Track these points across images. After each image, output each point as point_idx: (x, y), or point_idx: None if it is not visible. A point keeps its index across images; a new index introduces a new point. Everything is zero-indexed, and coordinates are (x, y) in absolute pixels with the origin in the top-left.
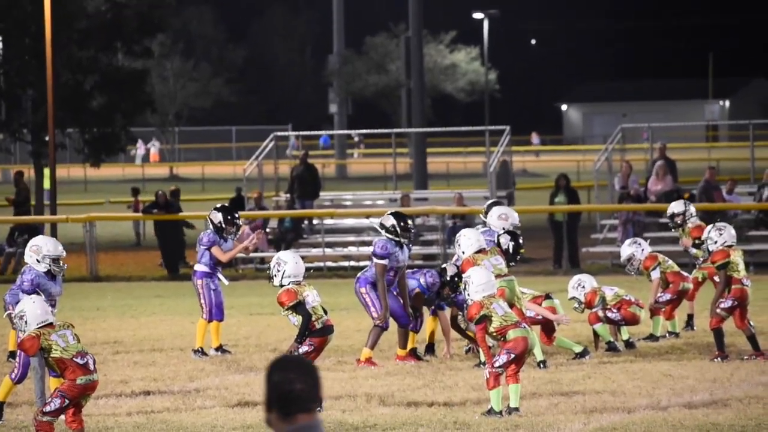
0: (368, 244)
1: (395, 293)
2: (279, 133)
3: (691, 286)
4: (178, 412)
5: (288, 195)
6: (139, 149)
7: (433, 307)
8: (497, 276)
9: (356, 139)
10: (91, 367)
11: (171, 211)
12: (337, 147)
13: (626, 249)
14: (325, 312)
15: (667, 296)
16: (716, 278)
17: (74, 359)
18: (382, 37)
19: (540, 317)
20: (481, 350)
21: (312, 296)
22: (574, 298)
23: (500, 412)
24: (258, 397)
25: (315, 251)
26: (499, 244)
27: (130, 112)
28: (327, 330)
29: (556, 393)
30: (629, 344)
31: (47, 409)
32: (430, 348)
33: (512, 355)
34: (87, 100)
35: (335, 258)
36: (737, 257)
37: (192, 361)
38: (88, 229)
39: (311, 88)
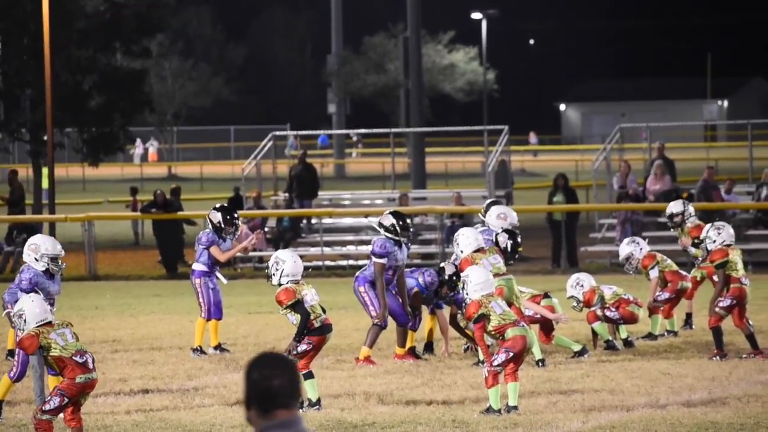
0: (367, 243)
1: (394, 292)
2: (277, 133)
3: (689, 285)
4: (176, 410)
5: (286, 194)
6: (138, 149)
7: (431, 306)
8: (496, 275)
9: (355, 138)
10: (90, 365)
11: (170, 210)
12: (335, 146)
13: (625, 248)
14: (324, 311)
15: (666, 295)
16: (715, 277)
17: (73, 358)
18: (381, 36)
19: (539, 316)
20: (479, 349)
21: (310, 295)
22: (572, 297)
23: (499, 411)
24: None
25: (313, 250)
26: (497, 243)
27: (128, 112)
28: (325, 329)
29: (554, 391)
30: (628, 343)
31: (46, 407)
32: (429, 347)
33: (511, 354)
34: (85, 99)
35: (334, 257)
36: (736, 256)
37: (191, 359)
38: (87, 229)
39: (310, 88)
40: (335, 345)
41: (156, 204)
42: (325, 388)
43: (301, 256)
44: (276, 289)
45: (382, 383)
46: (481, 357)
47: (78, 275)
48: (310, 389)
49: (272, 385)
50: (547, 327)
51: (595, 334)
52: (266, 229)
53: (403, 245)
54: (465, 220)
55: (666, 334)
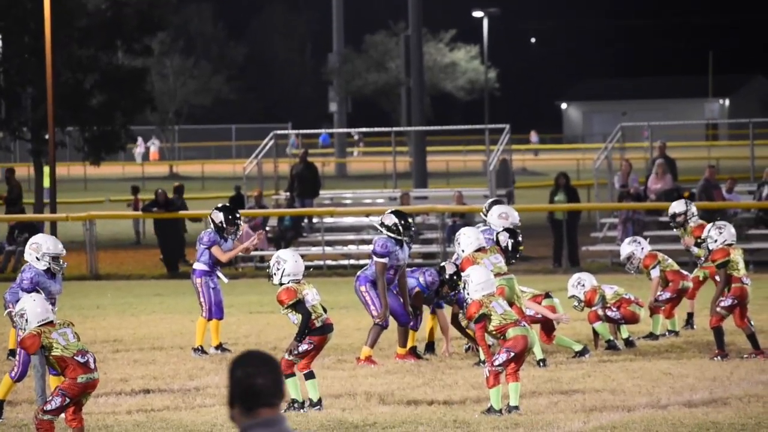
0: (368, 242)
1: (395, 292)
2: (279, 132)
3: (690, 284)
4: (177, 410)
5: (288, 193)
6: (139, 147)
7: (432, 306)
8: (497, 274)
9: (356, 137)
10: (92, 365)
11: (171, 209)
12: (336, 145)
13: (626, 247)
14: (325, 310)
15: (667, 295)
16: (717, 277)
17: (75, 357)
18: (382, 35)
19: (540, 316)
20: (480, 349)
21: (311, 294)
22: (573, 296)
23: (500, 411)
24: None
25: (315, 250)
26: (498, 242)
27: (129, 111)
28: (327, 328)
29: (555, 391)
30: (629, 343)
31: (48, 407)
32: (430, 346)
33: (512, 354)
34: (87, 98)
35: (335, 256)
36: (737, 256)
37: (192, 359)
38: (88, 228)
39: (311, 87)
40: (336, 345)
41: (157, 203)
42: (327, 388)
43: (303, 256)
44: (277, 289)
45: (383, 383)
46: (482, 357)
47: (79, 274)
48: (311, 389)
49: (256, 383)
50: (548, 327)
51: (596, 333)
52: (267, 228)
53: (405, 245)
54: (466, 219)
55: (667, 334)
